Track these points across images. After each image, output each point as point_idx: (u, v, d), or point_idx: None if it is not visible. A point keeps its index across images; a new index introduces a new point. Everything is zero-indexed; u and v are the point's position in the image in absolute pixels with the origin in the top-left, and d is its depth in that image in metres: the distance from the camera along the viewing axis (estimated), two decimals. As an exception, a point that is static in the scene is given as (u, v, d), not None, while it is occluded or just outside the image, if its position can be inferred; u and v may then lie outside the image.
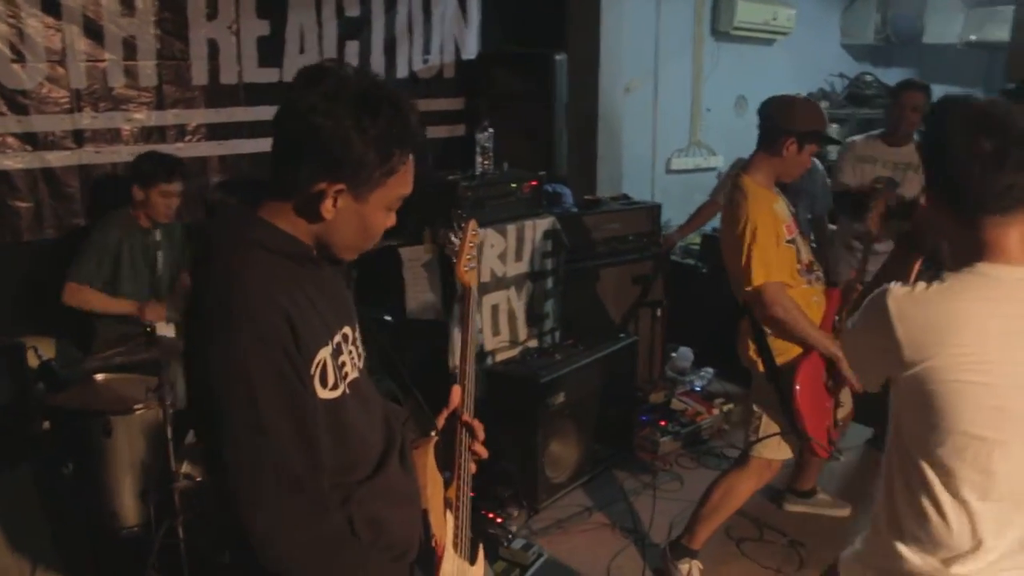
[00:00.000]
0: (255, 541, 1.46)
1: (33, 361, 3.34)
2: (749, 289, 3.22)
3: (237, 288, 1.47)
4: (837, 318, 3.38)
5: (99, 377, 3.49)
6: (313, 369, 1.52)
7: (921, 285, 1.73)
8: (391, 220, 1.63)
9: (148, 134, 4.10)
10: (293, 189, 1.54)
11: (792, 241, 3.33)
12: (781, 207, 3.36)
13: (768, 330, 3.29)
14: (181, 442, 3.22)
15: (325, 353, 1.56)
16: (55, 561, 2.87)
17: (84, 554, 3.29)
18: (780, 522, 4.05)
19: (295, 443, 1.47)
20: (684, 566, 3.54)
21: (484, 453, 2.06)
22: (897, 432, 1.82)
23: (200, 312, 1.50)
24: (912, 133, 4.47)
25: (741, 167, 3.45)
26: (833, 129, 7.17)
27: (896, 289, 1.75)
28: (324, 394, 1.55)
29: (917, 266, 2.06)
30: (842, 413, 3.53)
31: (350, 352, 1.67)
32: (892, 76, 7.58)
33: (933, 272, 1.79)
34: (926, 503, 1.74)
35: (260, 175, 4.23)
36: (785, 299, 3.20)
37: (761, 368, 3.34)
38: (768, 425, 3.39)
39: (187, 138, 4.23)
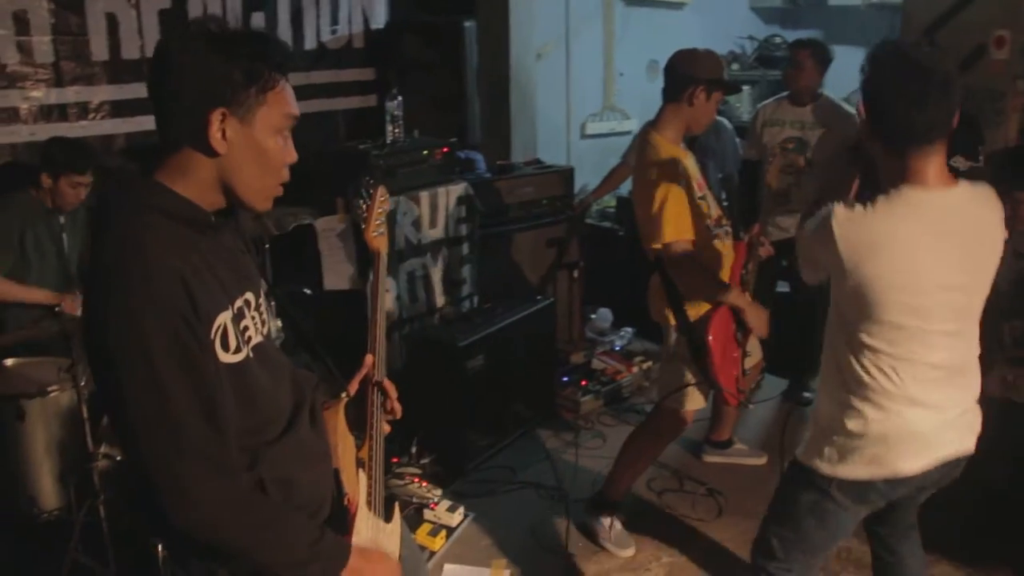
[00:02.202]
0: (163, 502, 1.48)
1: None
2: (657, 246, 3.29)
3: (131, 252, 1.47)
4: (744, 271, 3.48)
5: (9, 362, 3.44)
6: (213, 333, 1.53)
7: (859, 207, 2.10)
8: (290, 153, 1.63)
9: (48, 112, 3.99)
10: (179, 134, 1.54)
11: (703, 197, 3.40)
12: (691, 163, 3.42)
13: (679, 285, 3.37)
14: (99, 422, 3.19)
15: (225, 318, 1.56)
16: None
17: (2, 540, 3.25)
18: (699, 473, 4.18)
19: (194, 405, 1.48)
20: (606, 520, 3.64)
21: (399, 411, 2.11)
22: (839, 315, 2.23)
23: (96, 277, 1.49)
24: (812, 90, 4.58)
25: (649, 123, 3.51)
26: (744, 92, 7.30)
27: (839, 212, 2.10)
28: (226, 358, 1.56)
29: (855, 183, 2.41)
30: (750, 362, 3.65)
31: (253, 318, 1.68)
32: (800, 37, 7.73)
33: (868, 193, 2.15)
34: (871, 367, 2.16)
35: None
36: (688, 258, 3.27)
37: (673, 322, 3.43)
38: (681, 377, 3.49)
39: (90, 116, 4.13)
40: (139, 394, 1.45)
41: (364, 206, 2.28)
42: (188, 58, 1.51)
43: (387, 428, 2.12)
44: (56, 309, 3.16)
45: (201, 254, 1.55)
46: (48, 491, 3.30)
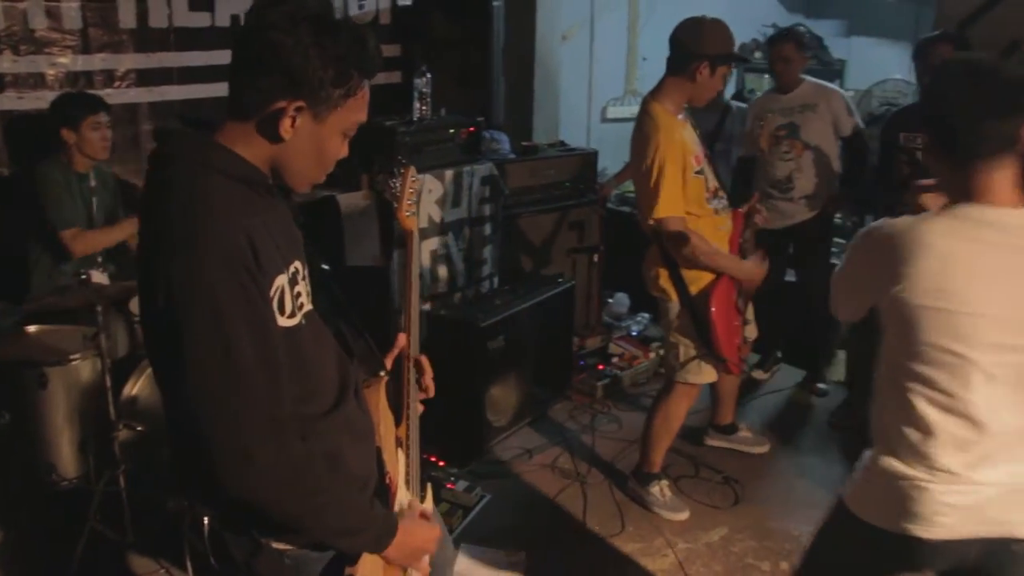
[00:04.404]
0: (220, 464, 1.46)
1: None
2: (651, 222, 3.28)
3: (200, 210, 1.46)
4: (742, 239, 3.54)
5: (31, 329, 3.42)
6: (272, 294, 1.53)
7: (907, 217, 1.90)
8: (344, 150, 1.64)
9: (74, 79, 3.96)
10: (252, 109, 1.54)
11: (700, 172, 3.37)
12: (690, 134, 3.38)
13: (678, 258, 3.36)
14: (120, 391, 3.19)
15: (282, 280, 1.56)
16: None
17: (22, 508, 3.26)
18: (715, 460, 4.17)
19: (260, 365, 1.47)
20: (655, 488, 3.73)
21: (432, 390, 2.11)
22: (885, 354, 1.97)
23: (160, 235, 1.48)
24: (796, 80, 4.62)
25: (650, 93, 3.45)
26: (765, 80, 7.26)
27: (883, 222, 1.93)
28: (282, 321, 1.55)
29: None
30: (751, 331, 3.69)
31: (303, 286, 1.67)
32: (824, 28, 7.66)
33: None
34: (910, 416, 1.90)
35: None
36: (686, 232, 3.27)
37: (674, 297, 3.43)
38: (687, 351, 3.50)
39: (116, 84, 4.10)
40: (206, 351, 1.44)
41: (396, 186, 2.27)
42: (288, 40, 1.49)
43: (420, 407, 2.12)
44: (82, 277, 3.14)
45: (260, 216, 1.54)
46: (68, 459, 3.29)
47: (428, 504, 2.08)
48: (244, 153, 1.56)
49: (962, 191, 1.87)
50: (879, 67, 6.80)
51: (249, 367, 1.46)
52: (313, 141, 1.57)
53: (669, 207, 3.23)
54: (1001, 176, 1.84)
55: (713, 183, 3.45)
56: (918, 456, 1.89)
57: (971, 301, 1.81)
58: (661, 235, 3.31)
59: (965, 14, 4.34)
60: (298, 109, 1.52)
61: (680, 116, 3.38)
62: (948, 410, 1.86)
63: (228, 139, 1.56)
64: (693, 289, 3.39)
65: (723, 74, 3.35)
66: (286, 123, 1.52)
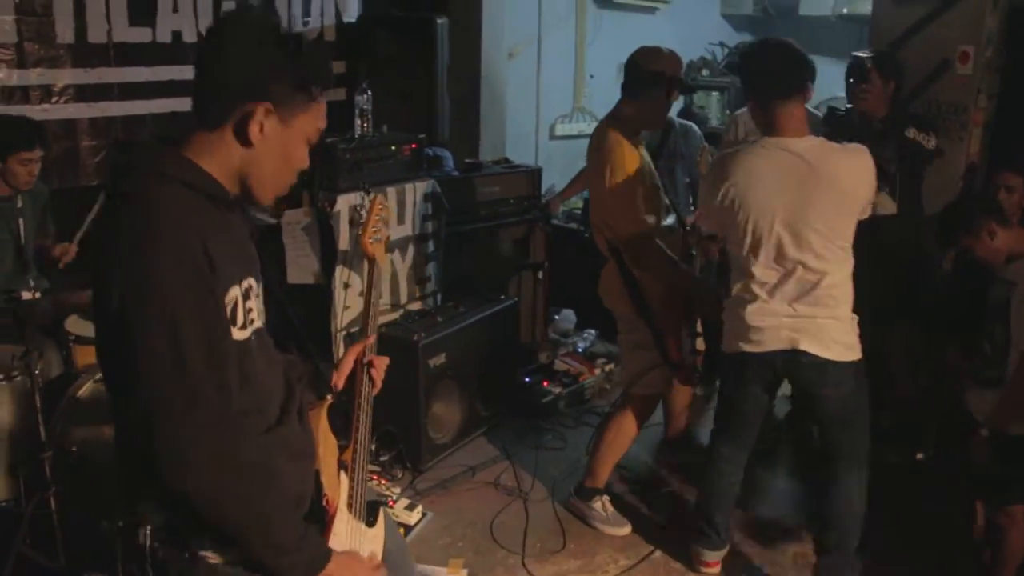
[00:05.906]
0: (163, 462, 1.48)
1: None
2: (623, 235, 3.35)
3: (157, 214, 1.49)
4: (693, 260, 3.67)
5: (-41, 348, 3.35)
6: (227, 302, 1.55)
7: (730, 150, 3.04)
8: (306, 159, 1.70)
9: (9, 94, 3.91)
10: (221, 116, 1.58)
11: (658, 186, 3.49)
12: (645, 154, 3.49)
13: (636, 273, 3.42)
14: (52, 412, 3.13)
15: (236, 292, 1.58)
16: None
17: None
18: (658, 474, 4.21)
19: (208, 367, 1.49)
20: (596, 503, 3.74)
21: (379, 382, 2.18)
22: (727, 244, 3.10)
23: (116, 238, 1.50)
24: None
25: (607, 117, 3.52)
26: (713, 97, 7.35)
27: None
28: (235, 333, 1.58)
29: None
30: (701, 344, 3.74)
31: (256, 303, 1.69)
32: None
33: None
34: (740, 273, 3.00)
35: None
36: (655, 244, 3.35)
37: (631, 310, 3.48)
38: (641, 362, 3.54)
39: (54, 99, 4.05)
40: (156, 350, 1.46)
41: (363, 213, 2.32)
42: (254, 48, 1.57)
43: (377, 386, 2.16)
44: (12, 295, 3.09)
45: (216, 230, 1.57)
46: (-3, 481, 3.23)
47: (378, 528, 2.08)
48: (209, 166, 1.59)
49: (767, 126, 2.89)
50: (824, 85, 6.90)
51: (198, 368, 1.48)
52: (281, 145, 1.62)
53: (635, 221, 3.31)
54: (794, 113, 2.86)
55: (665, 200, 3.54)
56: (745, 293, 2.98)
57: (768, 198, 2.85)
58: (620, 250, 3.38)
59: (898, 34, 4.43)
60: (266, 112, 1.57)
61: (636, 139, 3.46)
62: (760, 263, 2.91)
63: (194, 151, 1.60)
64: (648, 301, 3.44)
65: (674, 98, 3.47)
66: (255, 128, 1.57)
